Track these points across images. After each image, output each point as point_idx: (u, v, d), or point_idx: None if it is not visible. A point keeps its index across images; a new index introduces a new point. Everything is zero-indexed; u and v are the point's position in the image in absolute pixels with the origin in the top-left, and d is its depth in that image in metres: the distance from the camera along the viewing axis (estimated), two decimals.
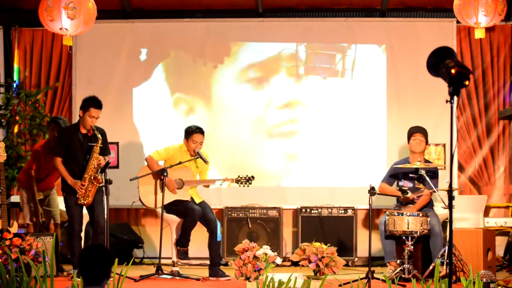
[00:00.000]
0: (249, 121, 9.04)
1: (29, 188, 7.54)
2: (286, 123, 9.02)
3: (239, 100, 9.06)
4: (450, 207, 4.30)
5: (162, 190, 6.98)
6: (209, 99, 9.10)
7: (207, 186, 7.40)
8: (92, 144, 6.90)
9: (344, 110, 8.99)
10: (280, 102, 9.04)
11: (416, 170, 7.11)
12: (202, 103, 9.10)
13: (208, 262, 7.22)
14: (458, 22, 8.13)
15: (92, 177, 6.85)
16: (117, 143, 8.94)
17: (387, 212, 6.96)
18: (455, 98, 3.86)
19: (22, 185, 7.66)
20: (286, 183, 8.98)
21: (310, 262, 6.08)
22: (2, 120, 9.05)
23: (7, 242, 6.26)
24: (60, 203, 7.59)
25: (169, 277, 7.00)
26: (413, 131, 7.24)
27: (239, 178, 7.23)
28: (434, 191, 6.98)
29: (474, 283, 5.36)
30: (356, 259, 8.47)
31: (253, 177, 7.26)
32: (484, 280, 5.89)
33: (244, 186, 7.26)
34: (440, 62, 3.93)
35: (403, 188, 7.18)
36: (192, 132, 7.21)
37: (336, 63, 9.04)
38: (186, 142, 7.25)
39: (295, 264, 6.73)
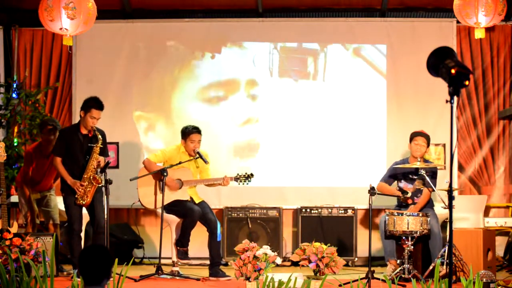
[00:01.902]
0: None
1: (24, 189, 7.59)
2: (286, 123, 9.02)
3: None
4: (450, 207, 4.31)
5: (162, 191, 6.98)
6: (207, 95, 9.13)
7: (209, 185, 7.39)
8: (92, 145, 6.90)
9: (344, 110, 8.99)
10: (279, 101, 9.05)
11: (416, 171, 7.11)
12: (202, 102, 9.10)
13: (208, 262, 7.22)
14: (458, 22, 8.13)
15: (91, 178, 6.85)
16: (117, 143, 8.94)
17: (387, 212, 6.96)
18: (455, 98, 3.86)
19: (19, 186, 7.71)
20: (286, 183, 8.97)
21: (310, 262, 6.07)
22: (2, 120, 9.06)
23: (7, 242, 6.25)
24: (59, 203, 7.60)
25: (169, 277, 7.00)
26: (415, 135, 7.24)
27: (238, 176, 7.22)
28: (433, 191, 6.99)
29: (474, 283, 5.36)
30: (356, 259, 8.47)
31: (252, 174, 7.24)
32: (484, 280, 5.89)
33: (243, 184, 7.25)
34: (440, 62, 3.93)
35: (403, 189, 7.18)
36: (189, 132, 7.21)
37: (336, 63, 9.06)
38: (184, 143, 7.25)
39: (295, 264, 6.73)
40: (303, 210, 8.61)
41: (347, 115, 8.99)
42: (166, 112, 9.11)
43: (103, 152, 6.99)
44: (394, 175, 7.37)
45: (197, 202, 7.27)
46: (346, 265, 7.33)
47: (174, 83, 9.13)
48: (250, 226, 8.54)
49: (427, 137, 7.22)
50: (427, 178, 6.93)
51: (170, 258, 7.41)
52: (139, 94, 9.11)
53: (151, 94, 9.11)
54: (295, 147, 8.99)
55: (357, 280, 5.75)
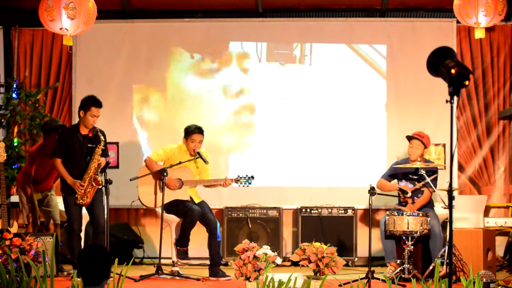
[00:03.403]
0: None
1: (26, 189, 7.59)
2: (286, 123, 9.02)
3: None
4: (450, 207, 4.31)
5: (162, 190, 6.98)
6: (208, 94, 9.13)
7: (209, 187, 7.39)
8: (92, 145, 6.90)
9: (344, 110, 8.99)
10: (280, 102, 9.05)
11: (416, 171, 7.11)
12: (204, 102, 9.11)
13: (208, 262, 7.23)
14: (458, 22, 8.12)
15: (92, 179, 6.85)
16: (117, 143, 8.93)
17: (387, 212, 6.96)
18: (455, 98, 3.86)
19: (20, 185, 7.70)
20: (286, 183, 8.97)
21: (310, 262, 6.07)
22: (2, 120, 9.05)
23: (7, 242, 6.25)
24: (60, 203, 7.60)
25: (169, 277, 7.00)
26: (408, 139, 7.24)
27: (238, 178, 7.23)
28: (434, 191, 6.99)
29: (474, 283, 5.36)
30: (356, 259, 8.47)
31: (252, 176, 7.25)
32: (484, 280, 5.89)
33: (244, 185, 7.25)
34: (440, 62, 3.93)
35: (403, 189, 7.18)
36: (191, 132, 7.22)
37: (336, 64, 9.06)
38: (185, 141, 7.26)
39: (295, 264, 6.73)
40: (303, 210, 8.61)
41: (347, 115, 8.98)
42: (166, 112, 9.11)
43: (104, 153, 7.00)
44: (394, 174, 7.36)
45: (197, 202, 7.27)
46: (346, 265, 7.32)
47: (174, 83, 9.13)
48: (250, 226, 8.54)
49: (420, 140, 7.17)
50: (428, 179, 6.92)
51: (170, 258, 7.42)
52: (139, 94, 9.10)
53: (151, 95, 9.11)
54: (295, 147, 8.98)
55: (357, 280, 5.75)
